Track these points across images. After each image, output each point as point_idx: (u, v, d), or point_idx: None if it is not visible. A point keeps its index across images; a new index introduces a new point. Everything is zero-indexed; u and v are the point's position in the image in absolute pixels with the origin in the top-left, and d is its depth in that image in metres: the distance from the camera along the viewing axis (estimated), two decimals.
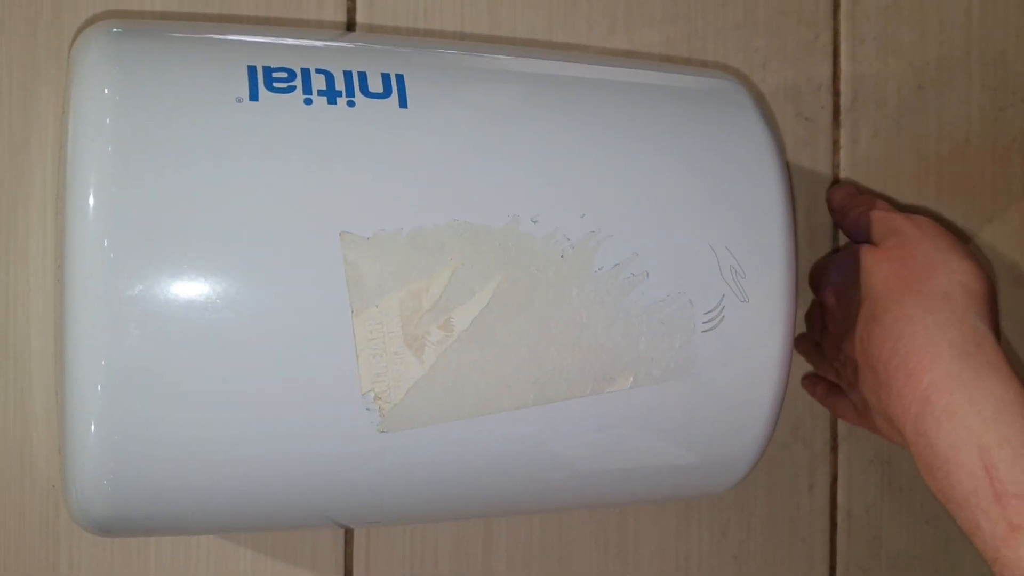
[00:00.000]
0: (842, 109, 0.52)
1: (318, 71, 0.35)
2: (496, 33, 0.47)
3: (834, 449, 0.52)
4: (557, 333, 0.36)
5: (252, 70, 0.34)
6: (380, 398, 0.34)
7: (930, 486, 0.39)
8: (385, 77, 0.35)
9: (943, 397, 0.38)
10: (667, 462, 0.39)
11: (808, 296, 0.51)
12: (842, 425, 0.52)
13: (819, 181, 0.52)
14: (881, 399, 0.41)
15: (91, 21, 0.43)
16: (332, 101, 0.34)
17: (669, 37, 0.49)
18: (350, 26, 0.46)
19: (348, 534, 0.46)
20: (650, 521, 0.49)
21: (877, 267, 0.42)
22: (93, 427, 0.32)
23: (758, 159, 0.39)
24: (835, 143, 0.52)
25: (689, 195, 0.38)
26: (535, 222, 0.36)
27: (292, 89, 0.34)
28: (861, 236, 0.46)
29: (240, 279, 0.33)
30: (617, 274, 0.36)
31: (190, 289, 0.32)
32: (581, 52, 0.48)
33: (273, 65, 0.35)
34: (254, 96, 0.34)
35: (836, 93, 0.52)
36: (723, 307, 0.37)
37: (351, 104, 0.35)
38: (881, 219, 0.45)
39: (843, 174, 0.52)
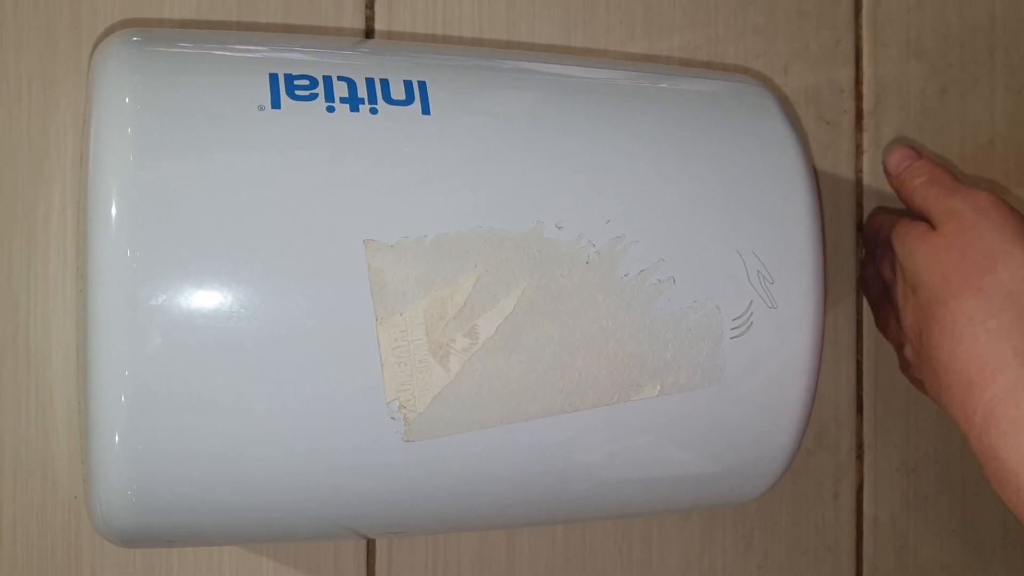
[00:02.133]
0: (865, 113, 0.51)
1: (340, 78, 0.35)
2: (514, 41, 0.47)
3: (859, 457, 0.51)
4: (583, 340, 0.35)
5: (274, 78, 0.34)
6: (405, 407, 0.34)
7: (1000, 496, 0.38)
8: (407, 84, 0.35)
9: (1009, 410, 0.36)
10: (694, 471, 0.39)
11: (836, 298, 0.50)
12: (868, 432, 0.51)
13: (842, 186, 0.51)
14: (943, 400, 0.39)
15: (109, 31, 0.43)
16: (355, 108, 0.34)
17: (689, 42, 0.49)
18: (369, 33, 0.46)
19: (370, 545, 0.46)
20: (674, 531, 0.49)
21: (935, 256, 0.39)
22: (117, 438, 0.32)
23: (785, 163, 0.39)
24: (858, 147, 0.51)
25: (715, 200, 0.37)
26: (560, 228, 0.35)
27: (314, 97, 0.34)
28: (918, 211, 0.43)
29: (263, 288, 0.33)
30: (643, 280, 0.36)
31: (213, 298, 0.32)
32: (604, 57, 0.48)
33: (295, 73, 0.34)
34: (276, 104, 0.34)
35: (858, 97, 0.51)
36: (751, 313, 0.37)
37: (374, 111, 0.34)
38: (939, 197, 0.41)
39: (866, 179, 0.51)
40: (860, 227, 0.51)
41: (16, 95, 0.42)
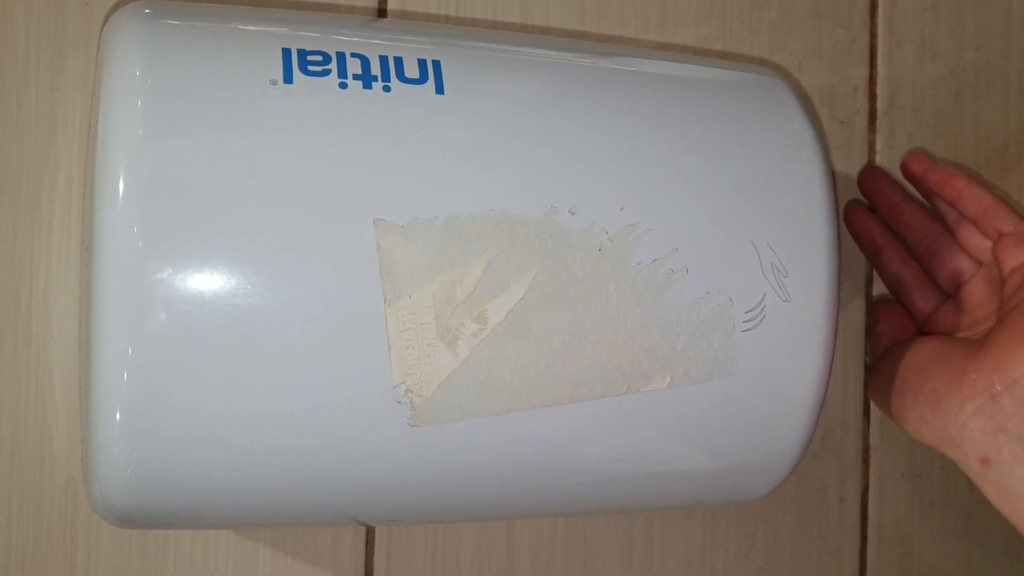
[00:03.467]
0: (878, 113, 0.51)
1: (353, 55, 0.34)
2: (528, 24, 0.47)
3: (865, 460, 0.51)
4: (593, 329, 0.35)
5: (287, 53, 0.34)
6: (412, 391, 0.33)
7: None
8: (421, 63, 0.35)
9: None
10: (701, 466, 0.38)
11: (845, 299, 0.50)
12: (874, 436, 0.51)
13: (854, 186, 0.51)
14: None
15: (120, 4, 0.42)
16: (367, 86, 0.34)
17: (704, 36, 0.49)
18: (381, 12, 0.45)
19: (369, 534, 0.45)
20: (676, 530, 0.48)
21: None
22: (118, 416, 0.31)
23: (801, 156, 0.38)
24: (871, 147, 0.51)
25: (730, 190, 0.37)
26: (573, 214, 0.35)
27: (327, 73, 0.34)
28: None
29: (271, 266, 0.32)
30: (656, 269, 0.35)
31: (220, 276, 0.32)
32: (622, 43, 0.48)
33: (308, 48, 0.34)
34: (288, 79, 0.33)
35: (872, 97, 0.51)
36: (764, 306, 0.36)
37: (387, 89, 0.34)
38: None
39: None
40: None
41: (25, 69, 0.42)
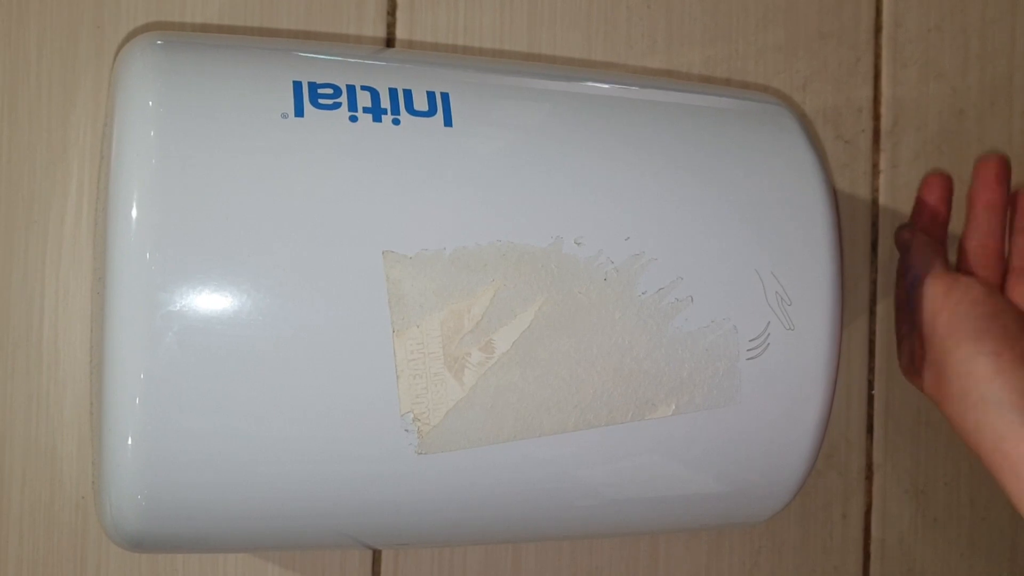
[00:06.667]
0: (882, 133, 0.51)
1: (363, 88, 0.35)
2: (535, 51, 0.47)
3: (868, 478, 0.51)
4: (599, 357, 0.35)
5: (298, 86, 0.34)
6: (419, 419, 0.34)
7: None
8: (430, 95, 0.35)
9: None
10: (706, 491, 0.39)
11: (849, 317, 0.50)
12: (877, 453, 0.51)
13: (858, 205, 0.51)
14: None
15: (132, 33, 0.43)
16: (377, 119, 0.34)
17: (709, 57, 0.49)
18: (390, 41, 0.46)
19: (376, 556, 0.46)
20: (681, 548, 0.49)
21: None
22: (130, 441, 0.32)
23: (805, 184, 0.39)
24: (875, 167, 0.51)
25: (735, 219, 0.37)
26: (579, 244, 0.35)
27: (338, 106, 0.34)
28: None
29: (281, 296, 0.32)
30: (661, 298, 0.36)
31: (231, 304, 0.32)
32: (627, 72, 0.48)
33: (319, 81, 0.34)
34: (299, 112, 0.34)
35: (877, 116, 0.51)
36: (768, 334, 0.37)
37: (396, 122, 0.34)
38: None
39: (882, 198, 0.51)
40: (875, 247, 0.51)
41: (36, 93, 0.42)
